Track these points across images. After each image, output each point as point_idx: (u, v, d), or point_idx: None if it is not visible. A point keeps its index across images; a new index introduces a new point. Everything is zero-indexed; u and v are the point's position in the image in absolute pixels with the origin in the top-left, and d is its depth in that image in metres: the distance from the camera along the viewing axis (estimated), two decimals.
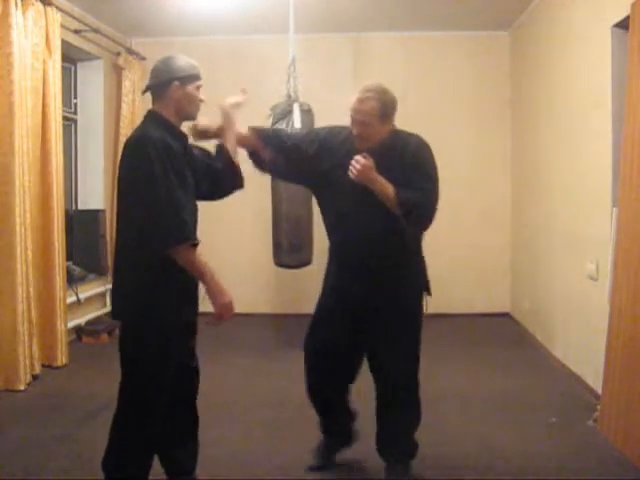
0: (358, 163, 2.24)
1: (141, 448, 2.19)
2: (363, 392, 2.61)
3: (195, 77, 2.18)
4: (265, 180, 3.33)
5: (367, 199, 2.29)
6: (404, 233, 2.38)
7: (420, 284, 2.52)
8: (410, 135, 2.43)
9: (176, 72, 2.14)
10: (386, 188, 2.27)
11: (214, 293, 2.07)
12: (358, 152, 2.28)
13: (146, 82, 2.23)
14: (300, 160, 2.44)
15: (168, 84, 2.14)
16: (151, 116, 2.17)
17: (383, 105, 2.33)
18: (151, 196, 1.98)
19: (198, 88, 2.20)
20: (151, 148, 2.00)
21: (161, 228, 1.99)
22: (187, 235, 2.01)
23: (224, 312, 2.09)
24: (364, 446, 2.59)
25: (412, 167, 2.32)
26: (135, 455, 2.18)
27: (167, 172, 2.00)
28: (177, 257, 2.01)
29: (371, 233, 2.34)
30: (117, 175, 2.18)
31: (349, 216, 2.37)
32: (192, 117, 2.24)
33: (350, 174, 2.25)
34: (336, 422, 2.62)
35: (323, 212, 2.53)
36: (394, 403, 2.48)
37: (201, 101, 2.22)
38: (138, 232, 2.04)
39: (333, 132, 2.52)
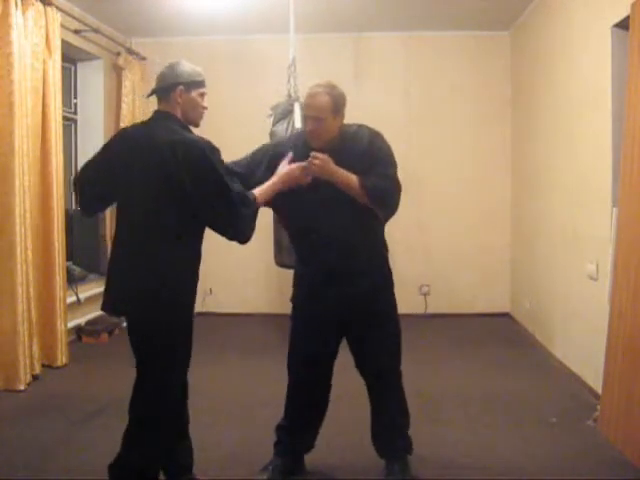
0: (316, 158, 2.25)
1: (160, 449, 2.21)
2: (353, 392, 2.60)
3: (199, 84, 2.23)
4: None
5: (331, 203, 2.30)
6: (373, 229, 2.41)
7: (391, 277, 2.53)
8: (360, 126, 2.44)
9: (181, 77, 2.19)
10: (349, 178, 2.28)
11: (282, 182, 2.30)
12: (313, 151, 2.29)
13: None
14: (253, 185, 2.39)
15: (173, 88, 2.18)
16: (169, 117, 2.19)
17: (334, 99, 2.32)
18: (228, 192, 2.10)
19: (202, 95, 2.24)
20: (213, 150, 2.12)
21: (250, 217, 2.17)
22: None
23: (294, 174, 2.30)
24: (362, 445, 2.58)
25: (369, 156, 2.34)
26: (155, 456, 2.20)
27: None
28: None
29: (342, 236, 2.34)
30: (152, 175, 2.11)
31: (317, 223, 2.34)
32: (195, 123, 2.26)
33: (309, 170, 2.26)
34: (310, 426, 2.57)
35: (287, 223, 2.51)
36: (383, 393, 2.49)
37: (204, 108, 2.26)
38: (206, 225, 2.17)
39: (280, 143, 2.55)
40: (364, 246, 2.40)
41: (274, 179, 2.31)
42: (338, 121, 2.36)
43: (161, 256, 2.11)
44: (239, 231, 2.17)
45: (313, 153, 2.27)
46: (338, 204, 2.32)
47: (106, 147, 2.28)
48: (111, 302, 2.21)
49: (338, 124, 2.37)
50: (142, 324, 2.17)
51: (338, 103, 2.34)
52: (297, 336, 2.52)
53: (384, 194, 2.33)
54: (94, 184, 2.26)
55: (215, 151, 2.13)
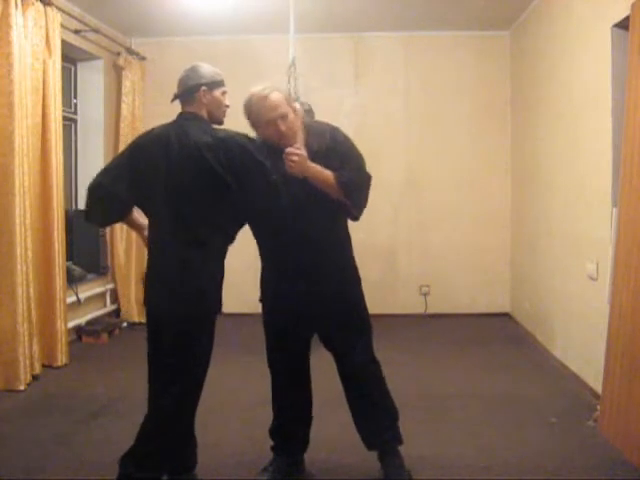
0: (293, 155, 2.20)
1: (175, 446, 2.25)
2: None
3: (220, 83, 2.30)
4: None
5: (302, 200, 2.27)
6: (340, 226, 2.42)
7: (358, 273, 2.51)
8: (319, 123, 2.44)
9: (203, 77, 2.26)
10: (325, 174, 2.27)
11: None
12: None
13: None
14: None
15: (196, 89, 2.24)
16: (196, 118, 2.23)
17: (283, 93, 2.31)
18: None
19: (223, 94, 2.32)
20: (251, 141, 2.23)
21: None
22: None
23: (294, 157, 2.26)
24: (362, 445, 2.58)
25: (335, 151, 2.33)
26: (170, 452, 2.24)
27: None
28: None
29: (312, 233, 2.32)
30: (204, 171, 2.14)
31: (288, 220, 2.30)
32: (220, 122, 2.31)
33: (288, 168, 2.21)
34: (299, 423, 2.57)
35: (254, 221, 2.43)
36: (367, 385, 2.48)
37: (227, 106, 2.33)
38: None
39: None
40: (333, 243, 2.39)
41: None
42: (296, 116, 2.32)
43: (209, 257, 2.20)
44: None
45: (288, 150, 2.22)
46: (308, 201, 2.29)
47: (131, 150, 2.28)
48: (160, 301, 2.22)
49: (298, 120, 2.33)
50: (188, 323, 2.17)
51: (288, 97, 2.34)
52: (270, 336, 2.51)
53: (359, 188, 2.34)
54: (121, 189, 2.22)
55: (251, 141, 2.21)
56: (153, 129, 2.32)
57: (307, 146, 2.30)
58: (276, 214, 2.30)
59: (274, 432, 2.57)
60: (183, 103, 2.29)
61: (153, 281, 2.25)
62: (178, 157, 2.15)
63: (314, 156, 2.28)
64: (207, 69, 2.28)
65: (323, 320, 2.43)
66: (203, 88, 2.24)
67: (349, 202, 2.33)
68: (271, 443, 2.58)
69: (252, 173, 2.16)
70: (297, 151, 2.22)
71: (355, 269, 2.50)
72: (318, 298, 2.37)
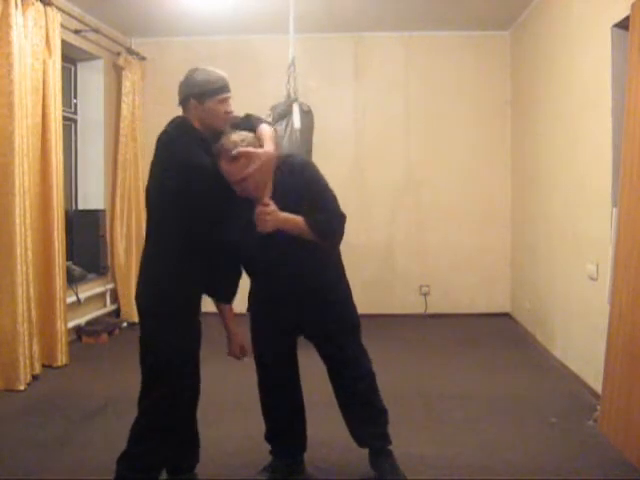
0: (264, 214, 2.16)
1: (162, 446, 2.25)
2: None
3: (214, 91, 2.16)
4: None
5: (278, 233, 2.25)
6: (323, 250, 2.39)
7: (343, 270, 2.51)
8: (291, 158, 2.38)
9: (192, 89, 2.17)
10: (297, 223, 2.23)
11: None
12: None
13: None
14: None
15: (187, 101, 2.19)
16: (180, 125, 2.21)
17: (253, 142, 2.17)
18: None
19: (222, 101, 2.18)
20: (203, 171, 2.18)
21: None
22: None
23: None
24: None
25: (306, 189, 2.28)
26: (156, 452, 2.24)
27: None
28: None
29: (292, 241, 2.29)
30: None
31: (266, 253, 2.31)
32: (214, 131, 2.20)
33: (260, 229, 2.18)
34: (294, 426, 2.58)
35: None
36: (358, 379, 2.49)
37: (227, 113, 2.20)
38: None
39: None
40: (315, 247, 2.35)
41: None
42: (269, 160, 2.17)
43: (153, 259, 2.26)
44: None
45: (259, 210, 2.16)
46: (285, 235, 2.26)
47: None
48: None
49: (270, 163, 2.18)
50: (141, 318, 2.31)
51: (257, 144, 2.18)
52: (258, 340, 2.56)
53: (331, 230, 2.32)
54: None
55: (205, 171, 2.11)
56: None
57: (277, 184, 2.25)
58: (251, 246, 2.32)
59: (269, 437, 2.59)
60: (182, 108, 2.27)
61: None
62: (151, 163, 2.23)
63: (285, 195, 2.24)
64: (201, 78, 2.16)
65: (312, 321, 2.44)
66: (192, 101, 2.16)
67: (322, 242, 2.31)
68: (269, 447, 2.59)
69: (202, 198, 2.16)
70: (267, 209, 2.17)
71: (340, 267, 2.50)
72: (305, 298, 2.38)
